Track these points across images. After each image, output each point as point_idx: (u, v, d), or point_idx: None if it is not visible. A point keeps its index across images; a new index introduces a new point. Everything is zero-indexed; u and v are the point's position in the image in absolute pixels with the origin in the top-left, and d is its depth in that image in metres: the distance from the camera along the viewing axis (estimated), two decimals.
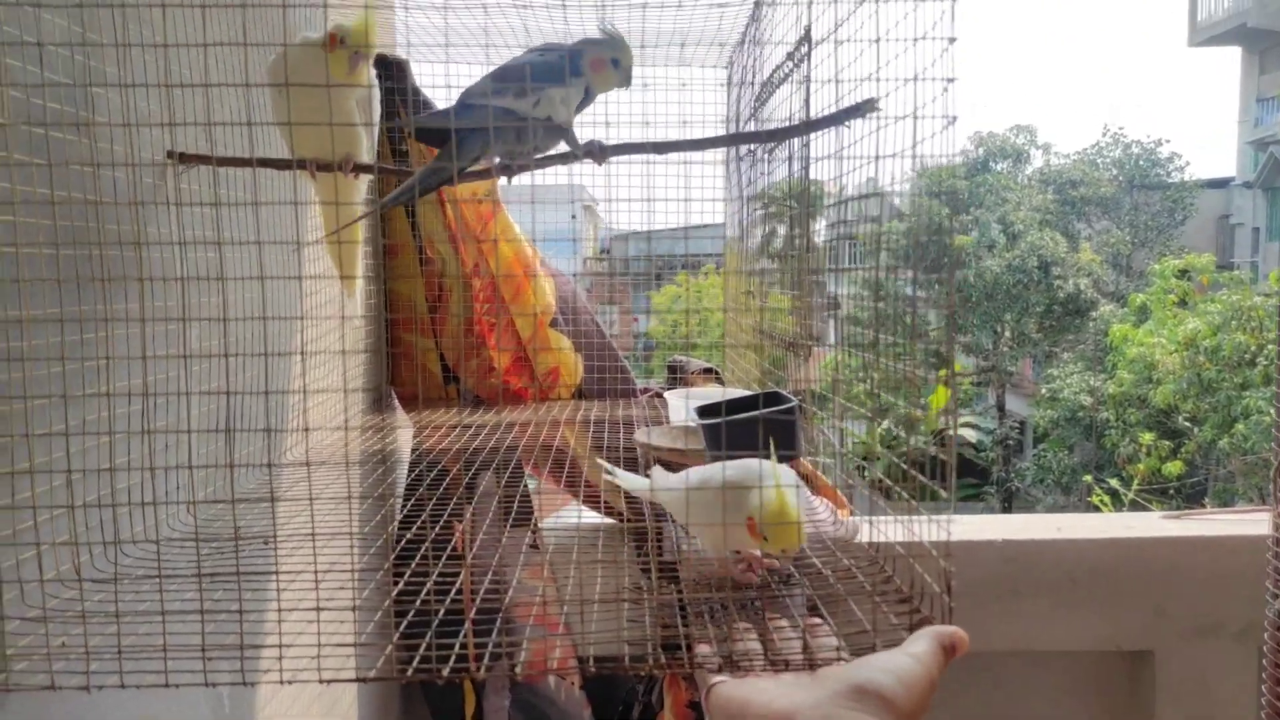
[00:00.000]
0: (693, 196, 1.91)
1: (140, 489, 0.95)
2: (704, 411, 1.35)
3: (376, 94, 1.18)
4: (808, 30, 1.13)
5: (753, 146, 1.85)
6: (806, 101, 1.16)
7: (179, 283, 0.95)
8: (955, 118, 0.85)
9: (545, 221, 2.27)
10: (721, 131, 2.05)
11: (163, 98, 0.95)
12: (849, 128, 0.98)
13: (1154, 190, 18.32)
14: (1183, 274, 13.37)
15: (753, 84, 1.58)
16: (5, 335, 0.82)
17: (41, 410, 0.87)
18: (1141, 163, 18.51)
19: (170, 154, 1.10)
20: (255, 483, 1.27)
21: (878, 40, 0.90)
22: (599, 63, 1.11)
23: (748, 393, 1.50)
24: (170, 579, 0.89)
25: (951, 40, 0.81)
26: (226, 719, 1.25)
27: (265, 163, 1.12)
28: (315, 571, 0.84)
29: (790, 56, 1.22)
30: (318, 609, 0.84)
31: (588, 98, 1.13)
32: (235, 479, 0.99)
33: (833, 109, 1.04)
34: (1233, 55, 19.76)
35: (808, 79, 1.14)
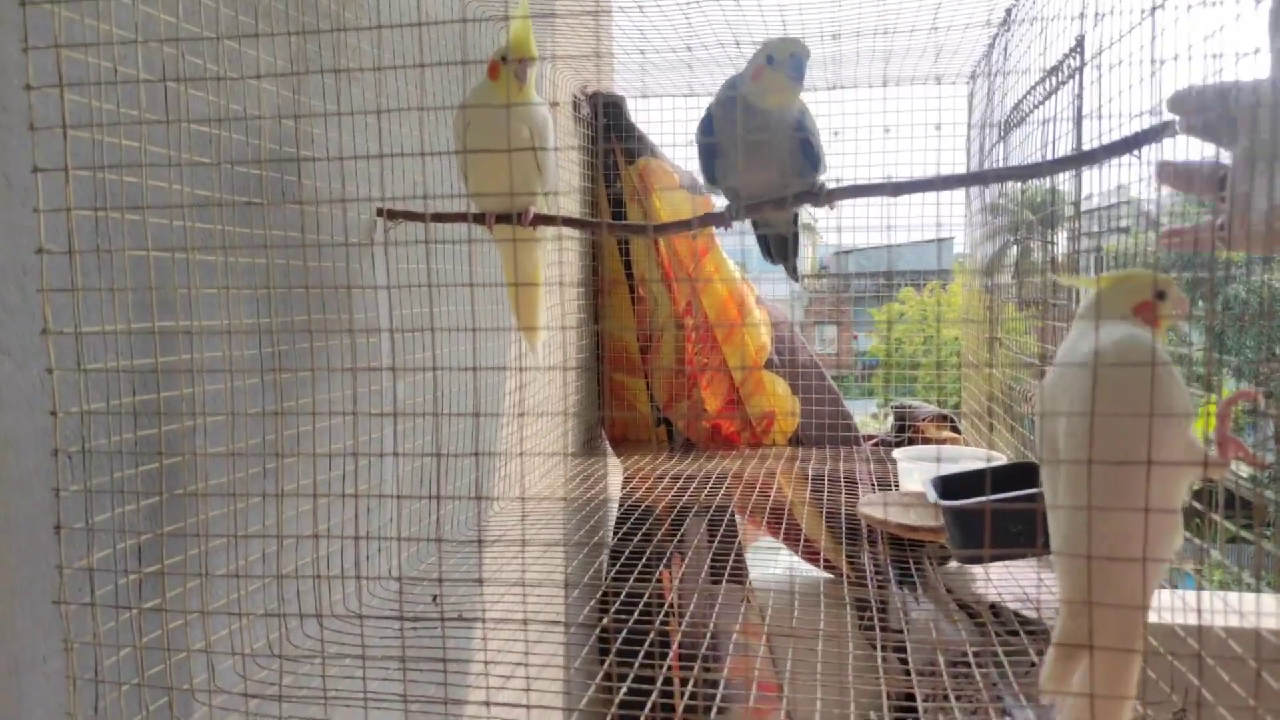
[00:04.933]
0: (926, 214, 1.73)
1: (341, 558, 0.92)
2: (944, 483, 1.17)
3: (550, 122, 1.10)
4: (1080, 40, 0.95)
5: (1001, 139, 1.64)
6: (1078, 123, 0.97)
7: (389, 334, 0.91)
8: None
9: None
10: (969, 139, 1.85)
11: (378, 155, 0.92)
12: (1138, 156, 0.79)
13: None
14: None
15: (1003, 92, 1.38)
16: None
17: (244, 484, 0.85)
18: None
19: (380, 211, 1.08)
20: (462, 551, 1.23)
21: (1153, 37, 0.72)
22: (758, 71, 0.99)
23: (991, 461, 1.30)
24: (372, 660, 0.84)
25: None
26: None
27: (447, 217, 1.07)
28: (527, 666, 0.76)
29: (1054, 71, 1.03)
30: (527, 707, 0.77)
31: (761, 118, 1.00)
32: (445, 542, 0.94)
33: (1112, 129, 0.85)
34: None
35: (1078, 99, 0.96)
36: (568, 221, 1.08)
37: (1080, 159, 0.84)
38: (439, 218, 0.99)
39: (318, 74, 0.90)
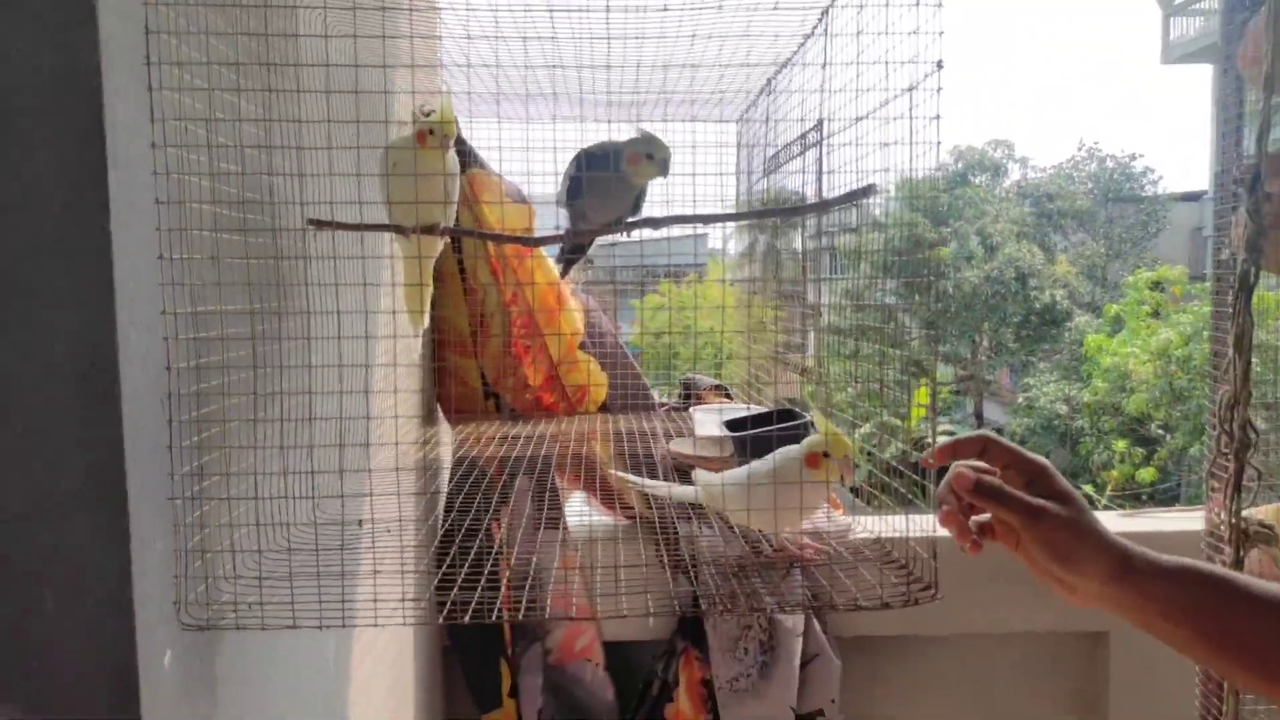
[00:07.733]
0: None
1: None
2: (730, 426, 1.62)
3: (458, 175, 1.49)
4: (820, 123, 1.40)
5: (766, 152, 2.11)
6: (819, 179, 1.43)
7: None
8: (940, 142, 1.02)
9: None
10: (731, 178, 2.33)
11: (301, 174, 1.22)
12: (859, 206, 1.25)
13: (1128, 204, 18.71)
14: (1156, 285, 13.71)
15: (764, 147, 1.85)
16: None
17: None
18: (1116, 177, 18.93)
19: (310, 221, 1.36)
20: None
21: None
22: (634, 158, 1.40)
23: (765, 409, 1.78)
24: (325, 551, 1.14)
25: (939, 65, 0.99)
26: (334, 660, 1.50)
27: (383, 228, 1.40)
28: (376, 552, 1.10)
29: (802, 139, 1.49)
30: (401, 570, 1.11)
31: (627, 189, 1.43)
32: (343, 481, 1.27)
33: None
34: (1204, 72, 20.24)
35: (820, 162, 1.42)
36: (480, 234, 1.41)
37: (820, 205, 1.30)
38: (368, 228, 1.31)
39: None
